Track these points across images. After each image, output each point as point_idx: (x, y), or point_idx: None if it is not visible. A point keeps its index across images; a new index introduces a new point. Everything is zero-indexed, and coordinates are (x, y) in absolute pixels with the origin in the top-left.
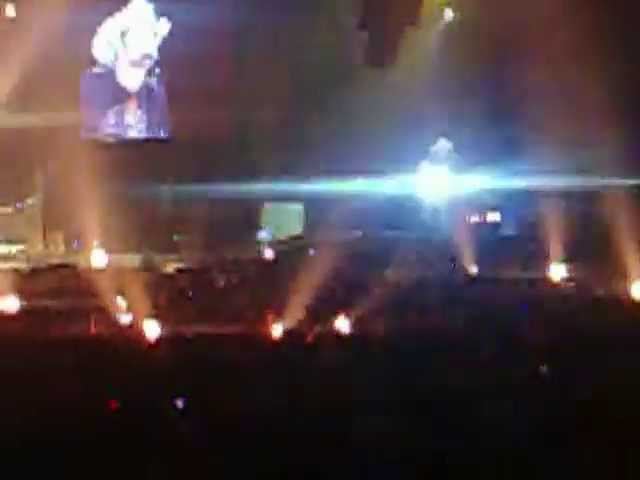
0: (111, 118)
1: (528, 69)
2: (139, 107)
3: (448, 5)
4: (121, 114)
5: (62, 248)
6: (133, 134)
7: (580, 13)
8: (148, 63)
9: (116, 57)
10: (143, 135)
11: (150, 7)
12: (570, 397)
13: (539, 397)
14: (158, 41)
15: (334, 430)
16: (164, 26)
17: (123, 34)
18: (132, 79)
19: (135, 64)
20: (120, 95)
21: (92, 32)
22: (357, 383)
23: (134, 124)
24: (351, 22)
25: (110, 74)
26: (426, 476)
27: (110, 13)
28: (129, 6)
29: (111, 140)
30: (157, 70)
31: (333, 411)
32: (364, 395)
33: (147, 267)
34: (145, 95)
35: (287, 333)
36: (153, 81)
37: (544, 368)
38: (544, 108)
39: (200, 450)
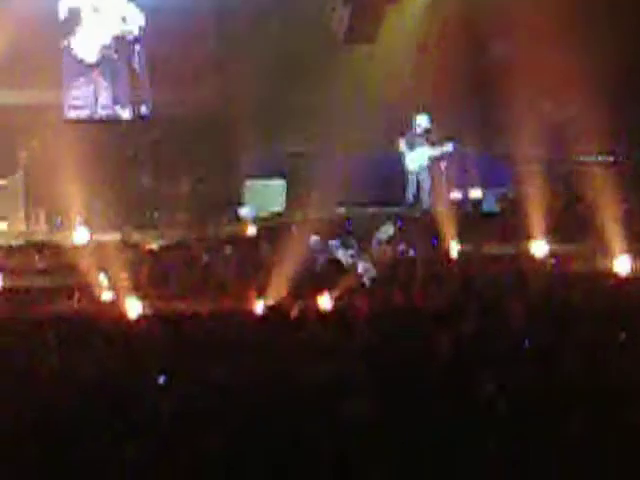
0: (77, 94)
1: (513, 47)
2: (105, 86)
3: None
4: (88, 91)
5: (44, 225)
6: (102, 112)
7: None
8: (111, 45)
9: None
10: (109, 112)
11: None
12: (553, 370)
13: (523, 371)
14: (126, 25)
15: (318, 406)
16: (136, 14)
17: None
18: (90, 53)
19: (95, 43)
20: (83, 70)
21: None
22: (340, 359)
23: (102, 102)
24: None
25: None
26: (412, 451)
27: None
28: None
29: (83, 118)
30: (137, 48)
31: (317, 387)
32: (348, 371)
33: (126, 244)
34: (112, 72)
35: (270, 309)
36: (123, 59)
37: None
38: (527, 84)
39: (182, 427)
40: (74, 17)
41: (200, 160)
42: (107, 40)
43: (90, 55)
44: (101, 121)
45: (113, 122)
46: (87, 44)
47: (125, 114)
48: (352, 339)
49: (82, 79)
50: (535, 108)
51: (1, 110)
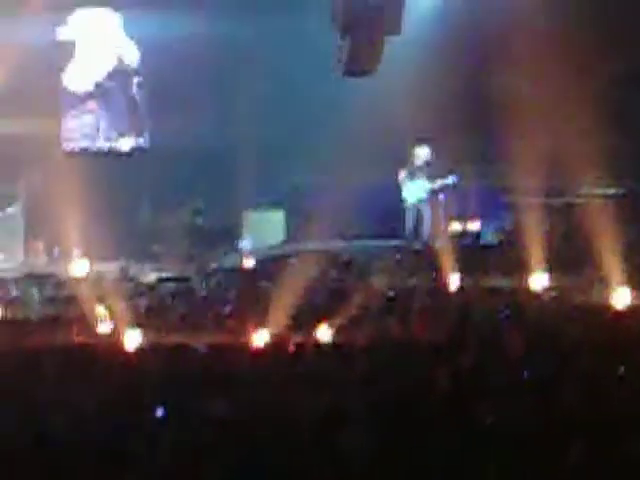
0: (74, 125)
1: (511, 79)
2: (103, 117)
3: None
4: (86, 123)
5: (43, 257)
6: (101, 143)
7: (563, 23)
8: (108, 76)
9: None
10: (108, 143)
11: (116, 18)
12: (552, 403)
13: (521, 403)
14: (124, 57)
15: (317, 439)
16: (132, 47)
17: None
18: (85, 85)
19: (90, 75)
20: (79, 101)
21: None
22: (338, 392)
23: (101, 133)
24: (332, 30)
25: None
26: None
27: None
28: (93, 14)
29: (81, 149)
30: (136, 79)
31: (316, 420)
32: (346, 404)
33: (125, 276)
34: (110, 104)
35: (269, 342)
36: (122, 90)
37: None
38: (526, 115)
39: (181, 459)
40: (69, 49)
41: (199, 191)
42: (103, 72)
43: (84, 87)
44: (100, 152)
45: (112, 153)
46: (81, 76)
47: (124, 146)
48: (351, 371)
49: (78, 111)
50: (534, 139)
51: (0, 140)
